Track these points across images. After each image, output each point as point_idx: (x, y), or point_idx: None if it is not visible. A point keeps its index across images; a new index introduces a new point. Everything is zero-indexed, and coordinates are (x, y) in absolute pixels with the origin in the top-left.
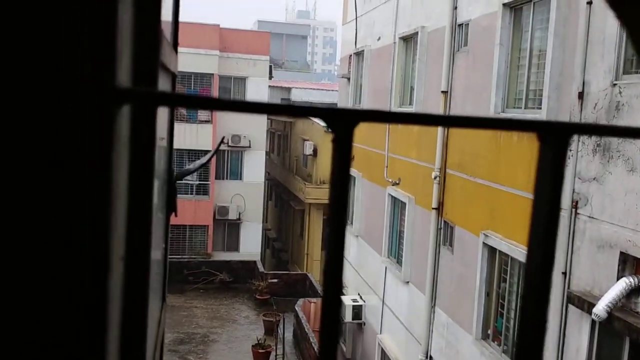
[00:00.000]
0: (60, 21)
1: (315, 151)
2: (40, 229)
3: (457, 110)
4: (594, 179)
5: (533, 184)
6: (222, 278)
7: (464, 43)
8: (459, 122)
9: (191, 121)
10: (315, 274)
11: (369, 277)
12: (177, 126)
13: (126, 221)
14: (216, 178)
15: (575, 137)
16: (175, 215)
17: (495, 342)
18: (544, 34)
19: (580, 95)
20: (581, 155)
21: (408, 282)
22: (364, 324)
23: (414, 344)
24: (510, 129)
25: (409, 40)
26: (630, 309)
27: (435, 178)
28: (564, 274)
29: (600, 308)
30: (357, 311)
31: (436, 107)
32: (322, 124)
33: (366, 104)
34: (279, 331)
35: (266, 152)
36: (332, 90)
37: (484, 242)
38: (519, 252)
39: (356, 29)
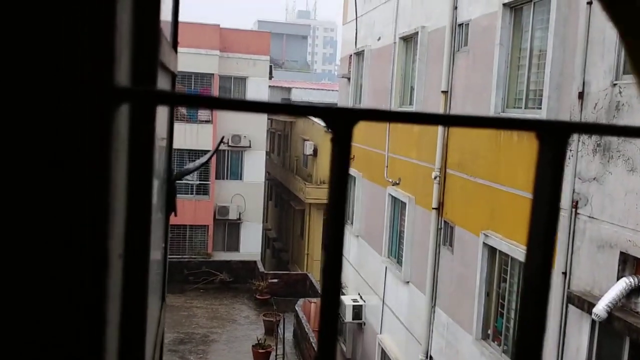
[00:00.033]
0: (58, 20)
1: (315, 151)
2: (39, 228)
3: (457, 110)
4: (594, 179)
5: (532, 183)
6: (223, 278)
7: (464, 43)
8: (458, 121)
9: (191, 121)
10: (315, 274)
11: (369, 277)
12: (178, 126)
13: (125, 220)
14: (216, 178)
15: (575, 137)
16: (175, 215)
17: (496, 342)
18: (544, 34)
19: (581, 95)
20: (581, 155)
21: (408, 282)
22: (364, 324)
23: (414, 344)
24: (509, 128)
25: (409, 40)
26: (630, 309)
27: (435, 178)
28: (564, 274)
29: (601, 308)
30: (357, 311)
31: (436, 107)
32: (322, 124)
33: (366, 104)
34: (279, 331)
35: (266, 152)
36: (332, 90)
37: (484, 242)
38: (519, 252)
39: (356, 29)
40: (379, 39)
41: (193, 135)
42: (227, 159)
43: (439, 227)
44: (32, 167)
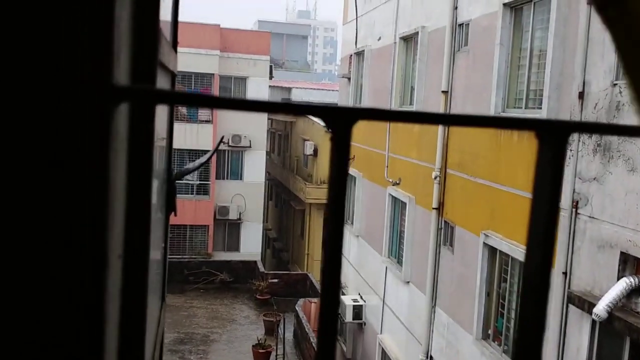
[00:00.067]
0: (58, 19)
1: (315, 151)
2: (39, 228)
3: (457, 110)
4: (594, 179)
5: (532, 183)
6: (223, 278)
7: (465, 43)
8: (457, 120)
9: (192, 121)
10: (315, 274)
11: (370, 277)
12: (178, 126)
13: (124, 220)
14: (216, 178)
15: (575, 136)
16: (175, 215)
17: (496, 342)
18: (545, 34)
19: (581, 95)
20: (581, 155)
21: (408, 282)
22: (365, 324)
23: (414, 344)
24: (509, 128)
25: (409, 40)
26: (630, 309)
27: (435, 178)
28: (565, 274)
29: (601, 308)
30: (358, 311)
31: (436, 107)
32: (323, 123)
33: (366, 103)
34: (280, 331)
35: (267, 152)
36: (333, 90)
37: (484, 242)
38: (519, 252)
39: (356, 29)
40: (379, 39)
41: (193, 135)
42: (227, 159)
43: (439, 227)
44: (31, 167)
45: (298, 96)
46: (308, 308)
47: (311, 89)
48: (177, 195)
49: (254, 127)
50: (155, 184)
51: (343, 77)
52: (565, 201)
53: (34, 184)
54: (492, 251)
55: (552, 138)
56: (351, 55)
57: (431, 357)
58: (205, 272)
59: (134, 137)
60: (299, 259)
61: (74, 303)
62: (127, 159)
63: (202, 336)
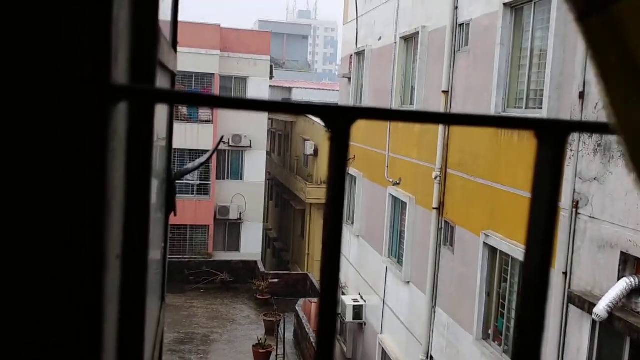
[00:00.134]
0: (57, 18)
1: (316, 151)
2: (38, 227)
3: (457, 110)
4: (594, 179)
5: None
6: (223, 278)
7: (465, 43)
8: (455, 119)
9: (192, 121)
10: (316, 274)
11: (370, 277)
12: (178, 126)
13: (123, 220)
14: (217, 178)
15: (576, 136)
16: (175, 215)
17: (496, 342)
18: (545, 33)
19: (581, 95)
20: (582, 155)
21: (409, 282)
22: (365, 324)
23: (414, 344)
24: (508, 127)
25: (409, 40)
26: (630, 309)
27: (435, 178)
28: (565, 274)
29: (601, 308)
30: (358, 311)
31: (437, 107)
32: (322, 123)
33: (367, 103)
34: (280, 331)
35: (267, 152)
36: (333, 90)
37: (484, 242)
38: (519, 252)
39: (357, 29)
40: (380, 38)
41: (193, 135)
42: (227, 159)
43: (440, 227)
44: (29, 167)
45: (299, 96)
46: (308, 308)
47: (312, 88)
48: (178, 195)
49: (254, 127)
50: (155, 184)
51: (343, 77)
52: (565, 201)
53: (32, 184)
54: (492, 251)
55: (552, 138)
56: (352, 55)
57: (431, 357)
58: (206, 272)
59: (133, 136)
60: (299, 259)
61: (74, 303)
62: (126, 158)
63: (202, 336)
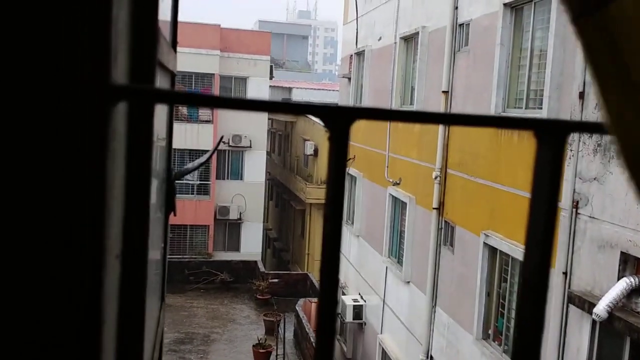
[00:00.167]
0: (56, 18)
1: (316, 151)
2: (38, 227)
3: (458, 110)
4: (594, 179)
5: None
6: (223, 278)
7: (465, 43)
8: (456, 119)
9: (192, 121)
10: (316, 273)
11: (370, 277)
12: (178, 126)
13: (123, 219)
14: (217, 178)
15: (576, 137)
16: (174, 215)
17: (496, 342)
18: (545, 33)
19: (581, 95)
20: (582, 155)
21: (409, 282)
22: (365, 323)
23: (414, 343)
24: (508, 127)
25: (409, 40)
26: (630, 309)
27: (435, 178)
28: (565, 274)
29: (601, 308)
30: (358, 311)
31: (437, 107)
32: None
33: (367, 103)
34: (280, 331)
35: (267, 152)
36: (333, 90)
37: (484, 242)
38: (519, 252)
39: (357, 29)
40: (380, 39)
41: (193, 135)
42: (227, 159)
43: (440, 227)
44: (29, 166)
45: (299, 96)
46: (308, 308)
47: (312, 89)
48: (178, 195)
49: (254, 127)
50: (155, 184)
51: (343, 77)
52: (565, 201)
53: (32, 184)
54: (492, 251)
55: (551, 138)
56: (351, 55)
57: (431, 357)
58: (206, 272)
59: (133, 136)
60: (299, 259)
61: (74, 303)
62: (126, 158)
63: (202, 336)
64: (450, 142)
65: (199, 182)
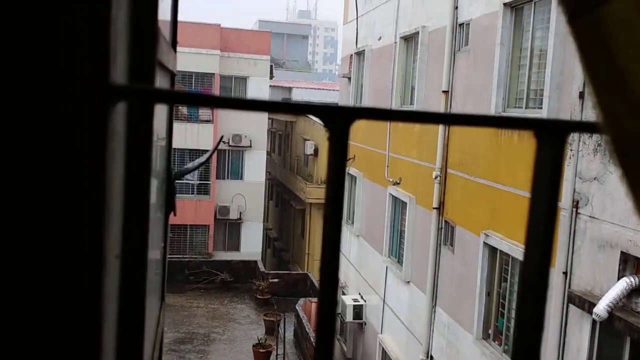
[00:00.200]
0: (56, 18)
1: (316, 151)
2: (38, 227)
3: (458, 110)
4: (594, 178)
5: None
6: (223, 278)
7: (465, 43)
8: (456, 119)
9: (192, 121)
10: (316, 273)
11: (370, 276)
12: (178, 126)
13: (122, 219)
14: (217, 178)
15: (576, 136)
16: (174, 215)
17: (496, 342)
18: (545, 33)
19: (581, 95)
20: (582, 155)
21: (409, 281)
22: (365, 323)
23: (414, 343)
24: (508, 127)
25: (409, 40)
26: (631, 308)
27: (436, 178)
28: (565, 273)
29: (601, 308)
30: (358, 311)
31: (437, 107)
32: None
33: (367, 103)
34: (280, 331)
35: (267, 151)
36: (333, 90)
37: (484, 242)
38: (519, 251)
39: (357, 29)
40: (380, 38)
41: (194, 135)
42: (227, 159)
43: (440, 226)
44: (28, 166)
45: (299, 96)
46: (308, 308)
47: (312, 88)
48: (178, 195)
49: (254, 127)
50: (155, 184)
51: (343, 76)
52: (565, 201)
53: (32, 184)
54: (492, 251)
55: (551, 138)
56: (352, 55)
57: (431, 356)
58: (206, 271)
59: (133, 136)
60: (299, 259)
61: (74, 303)
62: (126, 158)
63: (202, 336)
64: (450, 142)
65: (199, 181)
